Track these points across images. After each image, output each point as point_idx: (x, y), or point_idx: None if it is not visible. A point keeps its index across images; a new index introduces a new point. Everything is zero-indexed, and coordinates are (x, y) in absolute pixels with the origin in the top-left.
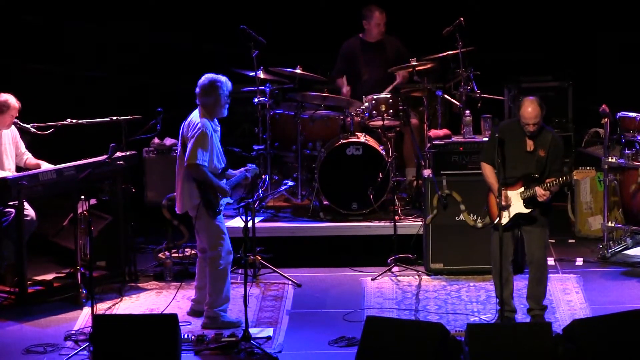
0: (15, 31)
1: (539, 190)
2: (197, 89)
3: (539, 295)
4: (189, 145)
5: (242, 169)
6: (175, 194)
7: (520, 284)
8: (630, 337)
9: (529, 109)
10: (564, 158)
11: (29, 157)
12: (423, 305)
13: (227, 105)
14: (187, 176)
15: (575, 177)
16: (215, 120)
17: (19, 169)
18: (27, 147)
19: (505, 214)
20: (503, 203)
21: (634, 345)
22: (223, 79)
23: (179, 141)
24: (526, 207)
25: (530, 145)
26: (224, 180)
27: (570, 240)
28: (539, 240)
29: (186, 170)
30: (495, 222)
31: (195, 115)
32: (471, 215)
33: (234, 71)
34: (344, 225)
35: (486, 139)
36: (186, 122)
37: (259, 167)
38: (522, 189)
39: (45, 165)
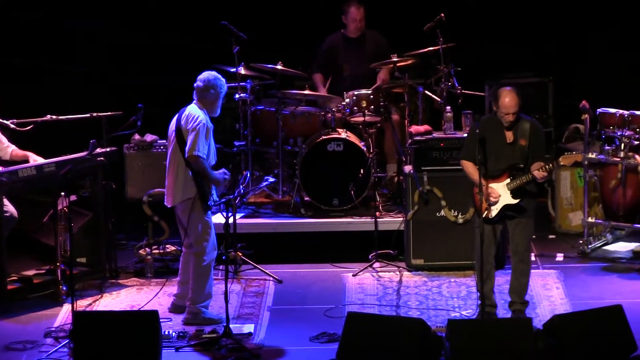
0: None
1: (537, 173)
2: (200, 84)
3: (522, 288)
4: (191, 137)
5: (221, 170)
6: (158, 189)
7: (501, 280)
8: (609, 332)
9: (507, 99)
10: (546, 144)
11: (14, 149)
12: (404, 301)
13: (220, 106)
14: (183, 167)
15: (562, 162)
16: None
17: (4, 162)
18: None
19: (493, 207)
20: (492, 199)
21: (614, 340)
22: (223, 79)
23: (173, 134)
24: (514, 197)
25: (509, 136)
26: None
27: (550, 236)
28: (525, 231)
29: (183, 162)
30: (484, 216)
31: (193, 109)
32: (452, 211)
33: (215, 67)
34: (325, 221)
35: (467, 134)
36: (182, 115)
37: (240, 163)
38: (508, 180)
39: (33, 157)
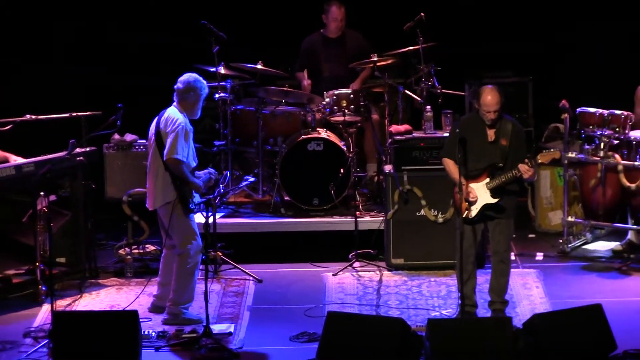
0: None
1: (522, 167)
2: (180, 85)
3: (502, 287)
4: (169, 140)
5: (206, 170)
6: (137, 189)
7: (481, 279)
8: (589, 331)
9: (489, 96)
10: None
11: None
12: (384, 300)
13: (201, 108)
14: (162, 171)
15: (540, 160)
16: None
17: None
18: None
19: (473, 206)
20: (471, 199)
21: (593, 339)
22: (204, 81)
23: (153, 137)
24: (493, 197)
25: (491, 135)
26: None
27: (530, 235)
28: (505, 231)
29: (160, 166)
30: (464, 216)
31: (173, 112)
32: (432, 210)
33: (195, 67)
34: (305, 220)
35: (447, 134)
36: (162, 118)
37: (220, 162)
38: (487, 180)
39: (13, 157)
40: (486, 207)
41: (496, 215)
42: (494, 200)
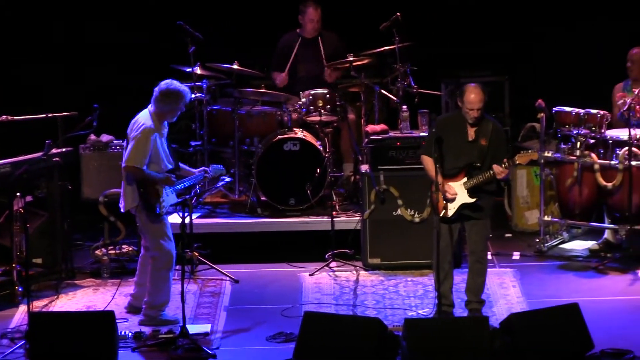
0: None
1: (496, 168)
2: (157, 92)
3: (478, 287)
4: (129, 147)
5: (201, 168)
6: (113, 190)
7: (457, 279)
8: (566, 330)
9: (472, 94)
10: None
11: None
12: (361, 300)
13: (179, 114)
14: (127, 178)
15: (517, 161)
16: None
17: None
18: None
19: (450, 205)
20: (449, 197)
21: (570, 338)
22: (188, 92)
23: (125, 140)
24: (471, 196)
25: (471, 134)
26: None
27: (507, 235)
28: (482, 231)
29: (125, 172)
30: (441, 215)
31: (141, 116)
32: (409, 210)
33: (171, 67)
34: (282, 220)
35: (423, 134)
36: (132, 121)
37: (196, 163)
38: (465, 179)
39: None
40: (463, 206)
41: (473, 214)
42: (472, 200)
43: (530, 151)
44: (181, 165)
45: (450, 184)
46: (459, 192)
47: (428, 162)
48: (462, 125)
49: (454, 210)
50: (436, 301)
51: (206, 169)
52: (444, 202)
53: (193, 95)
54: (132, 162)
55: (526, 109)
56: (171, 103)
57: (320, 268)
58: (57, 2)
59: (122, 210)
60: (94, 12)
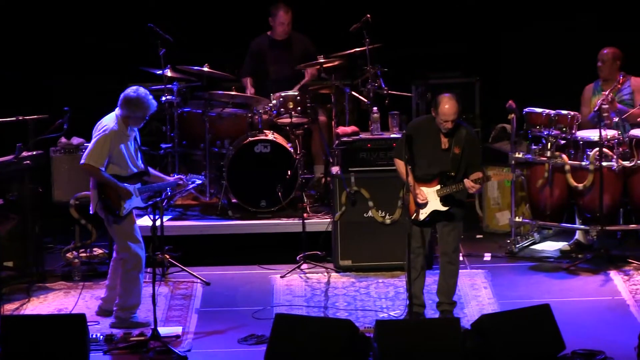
0: None
1: (467, 183)
2: (123, 98)
3: (450, 288)
4: (89, 145)
5: (177, 177)
6: (84, 192)
7: (429, 280)
8: (537, 331)
9: (447, 105)
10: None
11: None
12: (332, 302)
13: (143, 123)
14: (91, 178)
15: (492, 179)
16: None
17: None
18: None
19: (422, 210)
20: (420, 201)
21: (542, 339)
22: (153, 101)
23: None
24: (443, 205)
25: (445, 142)
26: (138, 185)
27: (478, 236)
28: (454, 233)
29: (82, 170)
30: (413, 217)
31: (107, 118)
32: (379, 211)
33: (141, 69)
34: (253, 223)
35: (394, 135)
36: (98, 122)
37: (167, 165)
38: (438, 187)
39: None
40: (435, 212)
41: (445, 219)
42: (444, 208)
43: (505, 170)
44: (151, 170)
45: (424, 188)
46: (431, 199)
47: (400, 165)
48: (434, 132)
49: (425, 215)
50: (407, 302)
51: (182, 177)
52: (416, 205)
53: (164, 98)
54: (88, 161)
55: (497, 110)
56: (134, 110)
57: (292, 270)
58: (29, 4)
59: (91, 211)
60: (64, 14)
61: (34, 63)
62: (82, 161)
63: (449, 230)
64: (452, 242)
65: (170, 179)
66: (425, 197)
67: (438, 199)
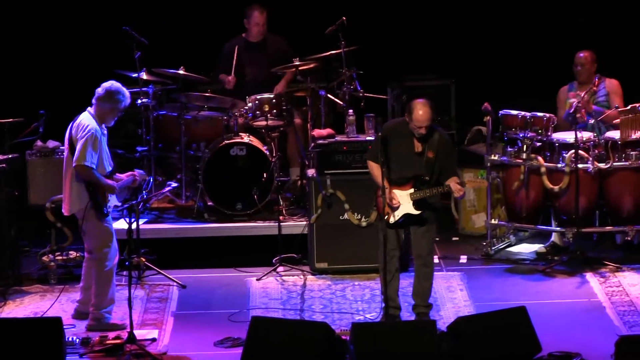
0: None
1: (454, 186)
2: (101, 91)
3: (425, 291)
4: (78, 147)
5: (129, 173)
6: (60, 196)
7: (405, 283)
8: (514, 333)
9: (420, 112)
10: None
11: None
12: (308, 304)
13: (117, 118)
14: (75, 177)
15: (467, 186)
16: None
17: None
18: None
19: (395, 213)
20: (393, 204)
21: (518, 341)
22: (127, 93)
23: (66, 143)
24: (416, 208)
25: (418, 146)
26: (114, 182)
27: (454, 238)
28: (428, 235)
29: (74, 172)
30: (385, 219)
31: (84, 117)
32: (355, 214)
33: (115, 72)
34: (229, 225)
35: (370, 138)
36: (74, 124)
37: (143, 168)
38: (412, 190)
39: None
40: (408, 216)
41: (417, 224)
42: (417, 212)
43: (479, 178)
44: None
45: (397, 191)
46: (404, 202)
47: (374, 168)
48: (409, 135)
49: (397, 218)
50: (383, 304)
51: (134, 173)
52: (389, 208)
53: (139, 101)
54: (82, 161)
55: (472, 113)
56: (112, 102)
57: (268, 273)
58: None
59: (65, 213)
60: (37, 17)
61: (7, 65)
62: (74, 163)
63: (422, 233)
64: (426, 244)
65: (125, 176)
66: (399, 200)
67: (411, 202)
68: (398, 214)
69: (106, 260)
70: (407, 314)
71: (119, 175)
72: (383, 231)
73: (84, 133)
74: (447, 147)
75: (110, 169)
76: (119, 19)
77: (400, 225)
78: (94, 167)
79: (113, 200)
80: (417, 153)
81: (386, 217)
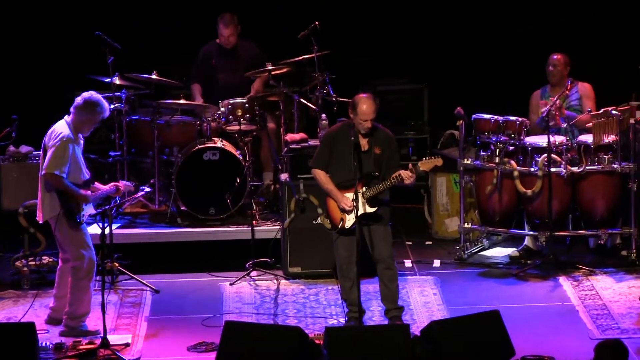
0: None
1: (404, 173)
2: (80, 101)
3: (393, 293)
4: (49, 154)
5: (112, 183)
6: (33, 201)
7: (377, 286)
8: (487, 337)
9: (365, 105)
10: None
11: None
12: (282, 309)
13: (93, 129)
14: (46, 185)
15: (421, 168)
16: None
17: None
18: None
19: (349, 217)
20: (346, 207)
21: (491, 345)
22: (106, 106)
23: (42, 150)
24: (370, 206)
25: (364, 144)
26: (89, 192)
27: (427, 242)
28: (385, 238)
29: (45, 180)
30: (339, 227)
31: (59, 125)
32: (328, 218)
33: (88, 78)
34: (202, 230)
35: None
36: (49, 131)
37: (116, 173)
38: (363, 189)
39: None
40: (363, 216)
41: (373, 223)
42: (372, 210)
43: (433, 157)
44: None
45: (348, 195)
46: (357, 203)
47: (321, 175)
48: (353, 135)
49: (352, 221)
50: (346, 309)
51: (117, 184)
52: (342, 213)
53: (112, 106)
54: (52, 169)
55: (445, 117)
56: (90, 113)
57: (241, 277)
58: None
59: (39, 221)
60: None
61: None
62: (43, 171)
63: (379, 237)
64: (385, 247)
65: (107, 187)
66: (351, 203)
67: (364, 201)
68: (352, 217)
69: (82, 269)
70: (380, 319)
71: (98, 185)
72: (336, 239)
73: (56, 141)
74: (392, 143)
75: (87, 177)
76: (91, 24)
77: (356, 229)
78: (64, 175)
79: (89, 209)
80: (364, 151)
81: (340, 224)
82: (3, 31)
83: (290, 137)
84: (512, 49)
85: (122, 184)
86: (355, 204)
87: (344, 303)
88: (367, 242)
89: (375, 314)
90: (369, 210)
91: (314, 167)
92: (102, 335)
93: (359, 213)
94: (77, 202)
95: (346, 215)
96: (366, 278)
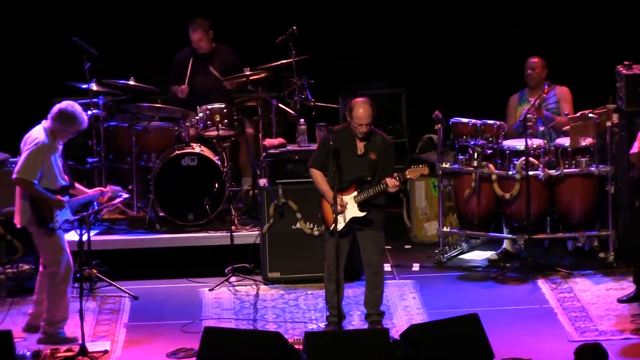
0: None
1: (390, 181)
2: (55, 110)
3: (377, 299)
4: (21, 159)
5: (98, 189)
6: (10, 208)
7: (358, 291)
8: (466, 341)
9: (361, 109)
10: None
11: None
12: (261, 314)
13: (68, 138)
14: (21, 191)
15: (408, 176)
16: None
17: None
18: None
19: (340, 219)
20: (338, 209)
21: (471, 348)
22: (82, 119)
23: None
24: (361, 210)
25: (361, 148)
26: (67, 197)
27: (406, 246)
28: (376, 244)
29: (15, 184)
30: (331, 229)
31: (35, 130)
32: (307, 223)
33: (65, 84)
34: (181, 236)
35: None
36: (25, 136)
37: (93, 179)
38: (355, 193)
39: None
40: (354, 220)
41: (364, 228)
42: (362, 214)
43: (420, 166)
44: (77, 185)
45: (344, 197)
46: (349, 206)
47: (317, 176)
48: (351, 139)
49: (343, 224)
50: (327, 314)
51: (103, 189)
52: (334, 215)
53: (90, 112)
54: (22, 174)
55: (423, 121)
56: (69, 125)
57: (220, 283)
58: None
59: (18, 226)
60: None
61: None
62: (14, 175)
63: (370, 242)
64: (375, 252)
65: (92, 192)
66: (344, 204)
67: (356, 205)
68: (344, 219)
69: (57, 275)
70: (360, 323)
71: (82, 189)
72: (327, 241)
73: (30, 146)
74: (388, 149)
75: (65, 183)
76: (68, 30)
77: (348, 232)
78: (35, 181)
79: (65, 215)
80: (360, 155)
81: (332, 226)
82: None
83: (268, 142)
84: (490, 53)
85: (110, 188)
86: (334, 209)
87: (326, 305)
88: (360, 247)
89: (355, 319)
90: (359, 214)
91: (311, 166)
92: (80, 342)
93: (350, 217)
94: (49, 207)
95: (338, 217)
96: (347, 282)
